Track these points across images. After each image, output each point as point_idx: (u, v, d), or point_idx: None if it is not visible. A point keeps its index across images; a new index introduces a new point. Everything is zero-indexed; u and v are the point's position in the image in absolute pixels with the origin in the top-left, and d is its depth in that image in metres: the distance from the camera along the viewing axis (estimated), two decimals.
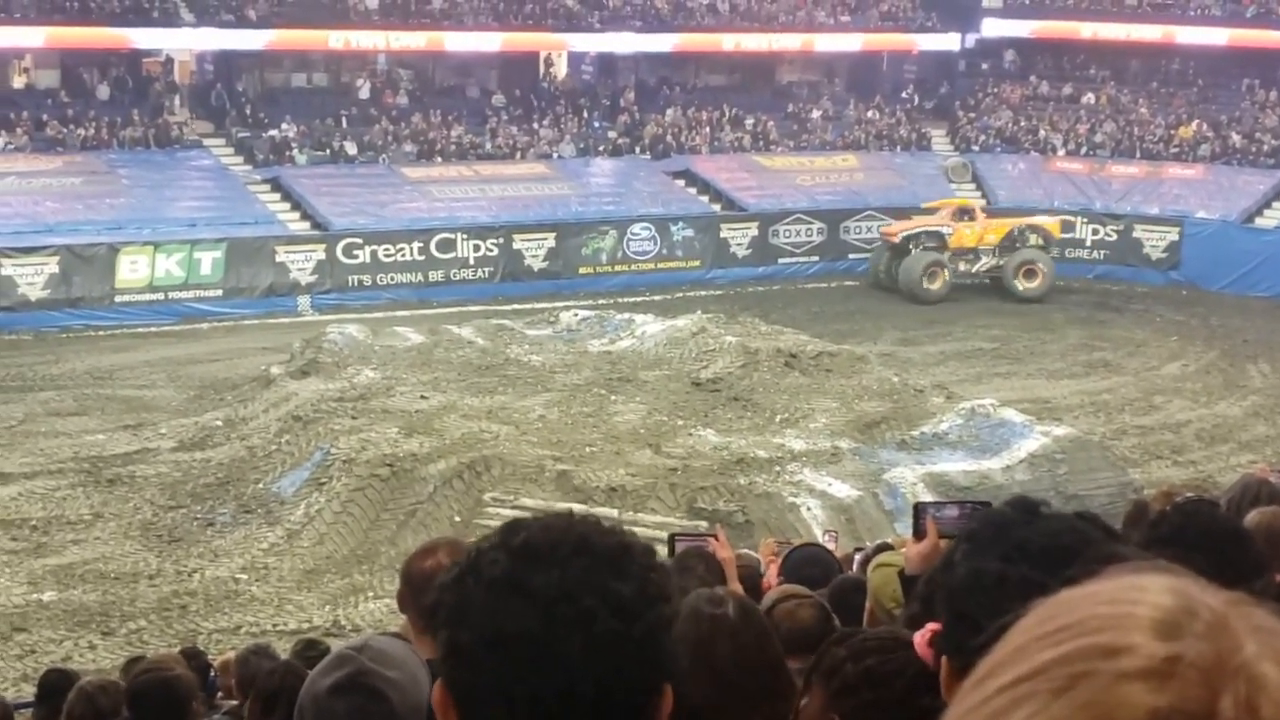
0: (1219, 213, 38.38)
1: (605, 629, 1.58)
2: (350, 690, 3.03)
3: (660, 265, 36.68)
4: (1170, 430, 25.15)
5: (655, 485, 19.00)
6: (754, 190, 39.16)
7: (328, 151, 37.68)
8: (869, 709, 2.76)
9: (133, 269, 31.60)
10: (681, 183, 39.59)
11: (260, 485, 19.77)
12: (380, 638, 3.28)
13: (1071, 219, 38.85)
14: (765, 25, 44.07)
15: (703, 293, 35.03)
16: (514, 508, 17.49)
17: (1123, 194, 40.03)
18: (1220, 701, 0.89)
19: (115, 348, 29.14)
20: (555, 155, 39.75)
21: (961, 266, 35.20)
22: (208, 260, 32.25)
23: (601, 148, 40.68)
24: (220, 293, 32.23)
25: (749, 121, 42.70)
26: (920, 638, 2.65)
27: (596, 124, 41.68)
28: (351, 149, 37.83)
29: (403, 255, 34.04)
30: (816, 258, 37.83)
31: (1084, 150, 42.45)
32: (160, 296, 31.64)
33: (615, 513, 17.85)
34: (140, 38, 37.52)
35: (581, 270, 35.86)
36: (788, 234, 38.08)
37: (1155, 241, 38.54)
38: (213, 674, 9.76)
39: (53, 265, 30.71)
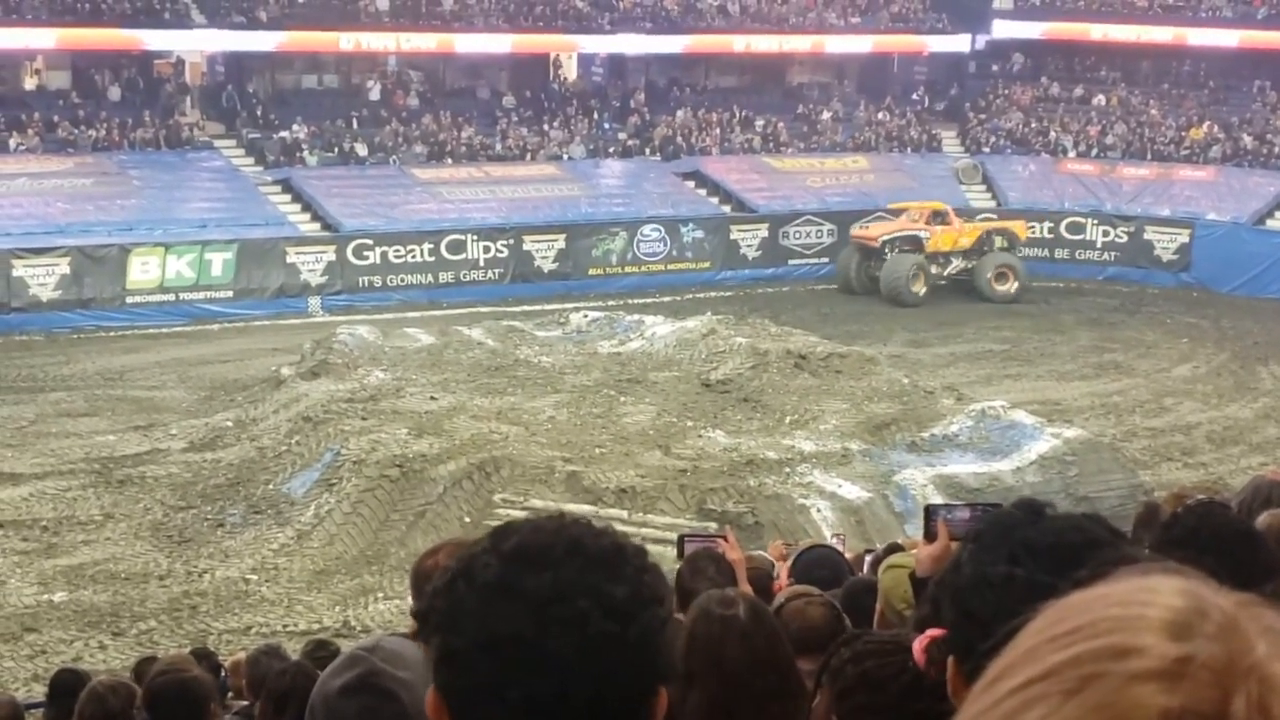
0: (1230, 214, 38.28)
1: (599, 631, 1.56)
2: (361, 691, 3.03)
3: (670, 266, 36.67)
4: (1181, 432, 25.08)
5: (665, 486, 18.97)
6: (764, 192, 39.15)
7: (338, 153, 37.73)
8: (864, 711, 2.76)
9: (144, 270, 31.66)
10: (691, 184, 39.59)
11: (270, 486, 19.79)
12: (391, 638, 3.28)
13: (1080, 220, 38.87)
14: (776, 27, 44.05)
15: (712, 294, 35.03)
16: (524, 509, 17.47)
17: (1133, 196, 39.95)
18: (1232, 702, 0.89)
19: (126, 349, 29.20)
20: (565, 156, 39.77)
21: (933, 269, 35.15)
22: (218, 261, 32.31)
23: (611, 149, 40.70)
24: (231, 294, 32.27)
25: (759, 123, 42.66)
26: (917, 644, 2.65)
27: (606, 125, 41.68)
28: (362, 150, 37.88)
29: (413, 256, 34.08)
30: (826, 259, 37.72)
31: (1094, 152, 42.37)
32: (171, 297, 31.72)
33: (625, 514, 17.87)
34: (151, 39, 37.61)
35: (591, 271, 35.85)
36: (798, 235, 38.05)
37: (1166, 243, 38.43)
38: (223, 674, 9.78)
39: (64, 266, 30.77)
